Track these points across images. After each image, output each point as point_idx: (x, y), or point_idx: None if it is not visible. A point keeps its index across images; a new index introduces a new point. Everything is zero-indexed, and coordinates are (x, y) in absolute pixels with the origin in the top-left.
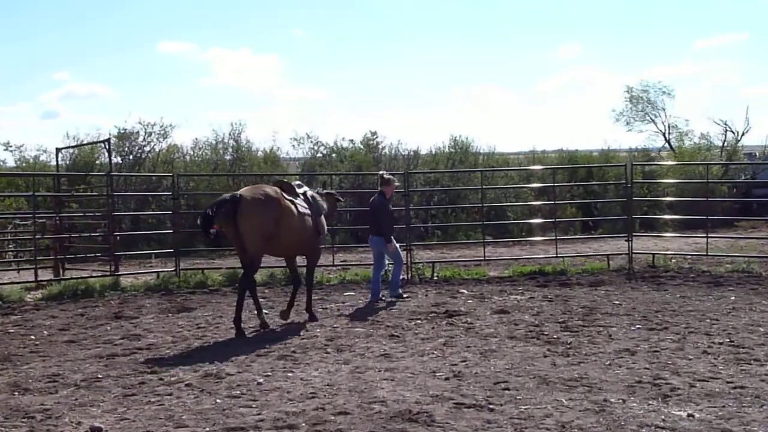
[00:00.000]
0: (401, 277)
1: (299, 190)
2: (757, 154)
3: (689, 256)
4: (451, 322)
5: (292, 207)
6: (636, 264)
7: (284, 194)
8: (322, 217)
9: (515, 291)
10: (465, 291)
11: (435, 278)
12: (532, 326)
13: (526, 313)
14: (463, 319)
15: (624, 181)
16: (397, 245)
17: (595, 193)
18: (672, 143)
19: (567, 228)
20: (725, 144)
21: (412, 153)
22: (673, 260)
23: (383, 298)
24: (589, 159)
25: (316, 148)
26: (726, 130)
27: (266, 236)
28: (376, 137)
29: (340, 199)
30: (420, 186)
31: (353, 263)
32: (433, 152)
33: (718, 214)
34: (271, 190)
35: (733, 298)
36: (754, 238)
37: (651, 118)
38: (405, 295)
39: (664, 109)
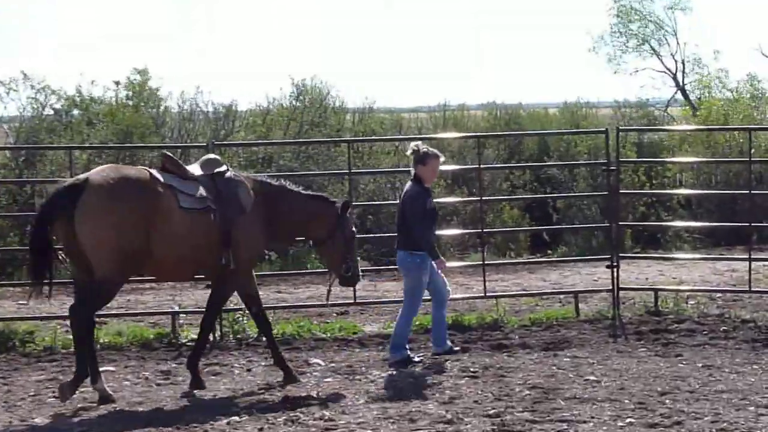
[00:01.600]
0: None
1: (199, 171)
2: None
3: (719, 294)
4: (293, 419)
5: (172, 199)
6: (626, 309)
7: (160, 177)
8: (247, 220)
9: (411, 360)
10: (320, 362)
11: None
12: (443, 423)
13: (430, 401)
14: (317, 414)
15: (605, 161)
16: (426, 277)
17: (555, 181)
18: (690, 92)
19: (504, 245)
20: None
21: (222, 110)
22: (692, 301)
23: (415, 359)
24: (544, 120)
25: (42, 98)
26: None
27: (125, 248)
28: (148, 77)
29: (347, 203)
30: (239, 168)
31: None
32: (262, 108)
33: None
34: (135, 171)
35: None
36: None
37: (653, 49)
38: (456, 348)
39: (675, 34)
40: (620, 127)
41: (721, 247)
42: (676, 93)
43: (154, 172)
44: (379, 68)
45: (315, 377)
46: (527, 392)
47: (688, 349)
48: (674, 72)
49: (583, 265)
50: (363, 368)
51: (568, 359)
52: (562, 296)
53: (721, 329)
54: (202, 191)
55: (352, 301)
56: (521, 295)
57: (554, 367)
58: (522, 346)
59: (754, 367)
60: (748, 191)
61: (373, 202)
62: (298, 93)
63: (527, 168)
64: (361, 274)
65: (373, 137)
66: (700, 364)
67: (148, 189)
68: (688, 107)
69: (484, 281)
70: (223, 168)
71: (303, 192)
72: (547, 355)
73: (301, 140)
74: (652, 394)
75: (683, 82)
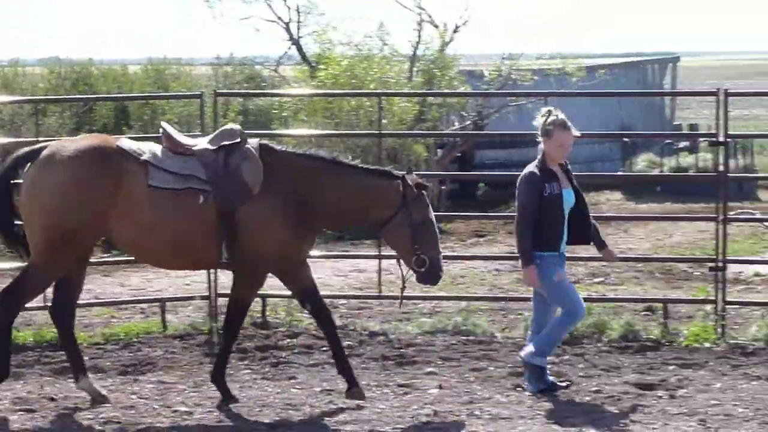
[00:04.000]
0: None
1: (205, 144)
2: (487, 73)
3: (343, 301)
4: None
5: (140, 176)
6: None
7: (135, 149)
8: (260, 204)
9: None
10: None
11: None
12: None
13: None
14: None
15: (200, 132)
16: (563, 276)
17: None
18: (307, 48)
19: None
20: (419, 49)
21: None
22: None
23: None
24: (123, 81)
25: None
26: (421, 21)
27: (70, 233)
28: None
29: (424, 185)
30: None
31: None
32: None
33: None
34: (98, 142)
35: (435, 392)
36: (480, 257)
37: None
38: (564, 383)
39: None
40: (219, 91)
41: (346, 242)
42: (289, 48)
43: (130, 144)
44: None
45: None
46: (99, 428)
47: (303, 369)
48: (287, 21)
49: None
50: None
51: (152, 385)
52: (145, 306)
53: (345, 344)
54: (190, 168)
55: None
56: (92, 305)
57: (134, 396)
58: (94, 369)
59: (385, 390)
60: None
61: None
62: None
63: None
64: (442, 270)
65: None
66: (319, 389)
67: (106, 163)
68: (304, 66)
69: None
70: (237, 140)
71: (353, 166)
72: (125, 381)
73: None
74: (258, 428)
75: (298, 34)
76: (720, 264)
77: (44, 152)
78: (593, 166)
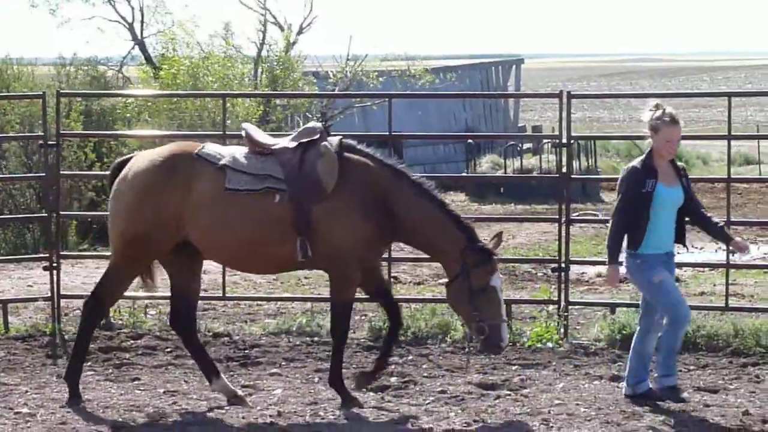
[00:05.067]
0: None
1: (283, 142)
2: (331, 74)
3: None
4: None
5: (218, 180)
6: (70, 322)
7: (213, 154)
8: (334, 204)
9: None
10: None
11: None
12: None
13: None
14: None
15: (42, 134)
16: (663, 277)
17: None
18: (152, 48)
19: None
20: (264, 49)
21: None
22: (153, 312)
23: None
24: None
25: None
26: (265, 22)
27: (143, 236)
28: None
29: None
30: None
31: None
32: None
33: None
34: (176, 150)
35: (279, 392)
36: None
37: None
38: (683, 394)
39: None
40: (62, 91)
41: None
42: (133, 48)
43: (212, 149)
44: None
45: None
46: None
47: (147, 371)
48: (131, 21)
49: (14, 267)
50: None
51: None
52: None
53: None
54: (267, 168)
55: None
56: None
57: None
58: None
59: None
60: None
61: None
62: None
63: None
64: (503, 340)
65: None
66: (162, 390)
67: (175, 171)
68: (148, 67)
69: None
70: (316, 137)
71: (436, 200)
72: None
73: None
74: (101, 429)
75: (142, 34)
76: (563, 265)
77: (129, 162)
78: (437, 167)
